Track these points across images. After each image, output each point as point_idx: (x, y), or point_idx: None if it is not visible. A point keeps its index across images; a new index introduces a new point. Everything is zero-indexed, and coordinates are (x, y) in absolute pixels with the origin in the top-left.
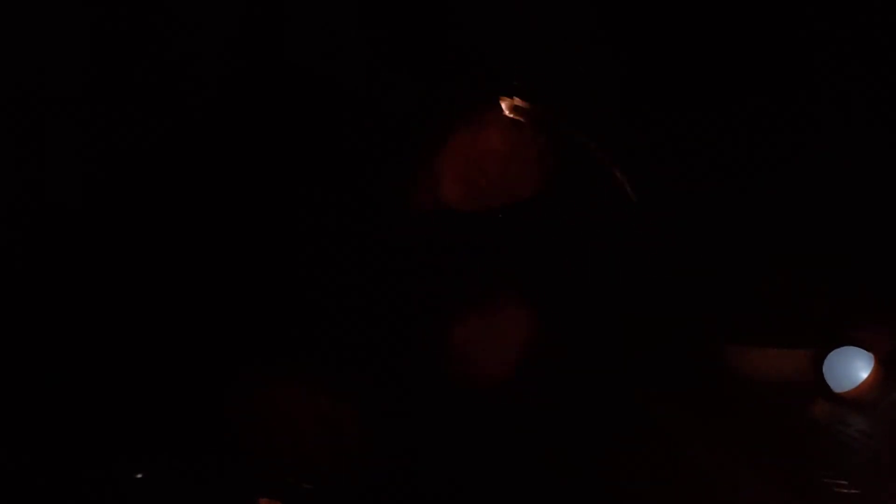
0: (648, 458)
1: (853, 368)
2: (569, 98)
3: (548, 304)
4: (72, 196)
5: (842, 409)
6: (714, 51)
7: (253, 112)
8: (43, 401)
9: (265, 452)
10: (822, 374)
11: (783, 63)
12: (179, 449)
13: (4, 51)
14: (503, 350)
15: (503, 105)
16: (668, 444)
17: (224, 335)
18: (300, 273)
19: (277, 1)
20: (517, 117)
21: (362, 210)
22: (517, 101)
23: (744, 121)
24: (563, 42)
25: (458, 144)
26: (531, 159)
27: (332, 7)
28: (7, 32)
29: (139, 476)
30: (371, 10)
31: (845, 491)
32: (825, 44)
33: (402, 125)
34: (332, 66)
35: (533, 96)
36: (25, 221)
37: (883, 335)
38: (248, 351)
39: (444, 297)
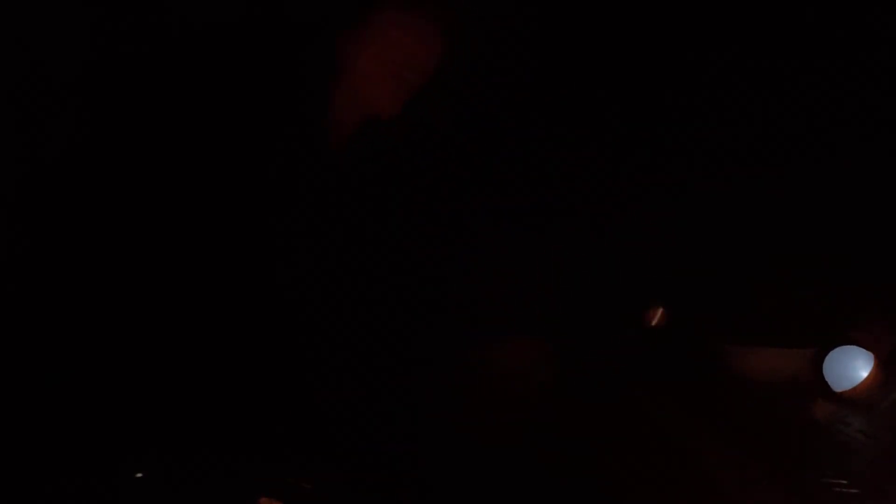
0: (648, 457)
1: (853, 368)
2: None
3: (547, 303)
4: (70, 194)
5: (842, 409)
6: (714, 50)
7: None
8: (43, 401)
9: (265, 452)
10: (822, 374)
11: (783, 62)
12: (179, 449)
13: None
14: (501, 350)
15: None
16: (668, 443)
17: (224, 335)
18: (298, 271)
19: None
20: None
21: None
22: None
23: (743, 120)
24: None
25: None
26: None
27: None
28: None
29: (139, 476)
30: None
31: (845, 491)
32: (825, 44)
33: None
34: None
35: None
36: (24, 220)
37: (883, 335)
38: (249, 350)
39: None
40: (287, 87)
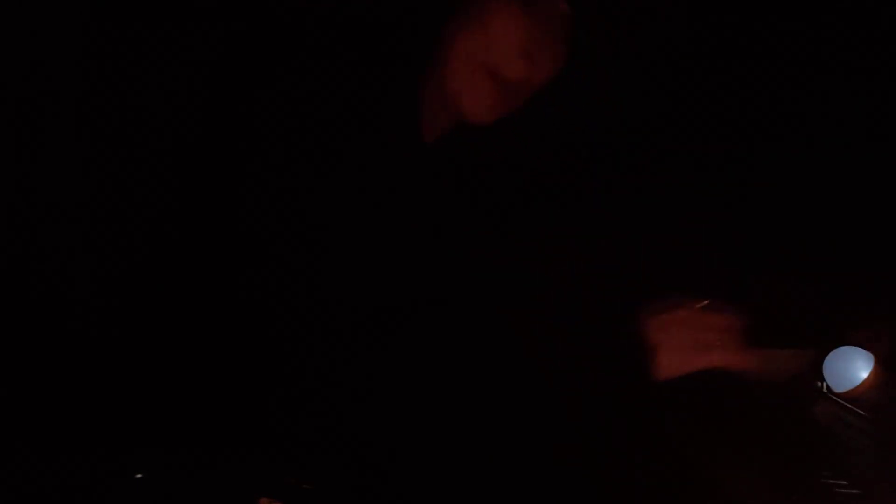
0: (648, 458)
1: (853, 368)
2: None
3: (546, 303)
4: (72, 195)
5: (842, 409)
6: (716, 48)
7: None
8: (43, 400)
9: (265, 452)
10: (822, 375)
11: (782, 61)
12: (179, 449)
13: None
14: (504, 349)
15: None
16: (667, 444)
17: (225, 334)
18: (302, 266)
19: None
20: None
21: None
22: None
23: (742, 119)
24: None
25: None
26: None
27: None
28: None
29: (139, 476)
30: None
31: (845, 491)
32: (827, 44)
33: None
34: None
35: None
36: (25, 221)
37: (883, 335)
38: (249, 350)
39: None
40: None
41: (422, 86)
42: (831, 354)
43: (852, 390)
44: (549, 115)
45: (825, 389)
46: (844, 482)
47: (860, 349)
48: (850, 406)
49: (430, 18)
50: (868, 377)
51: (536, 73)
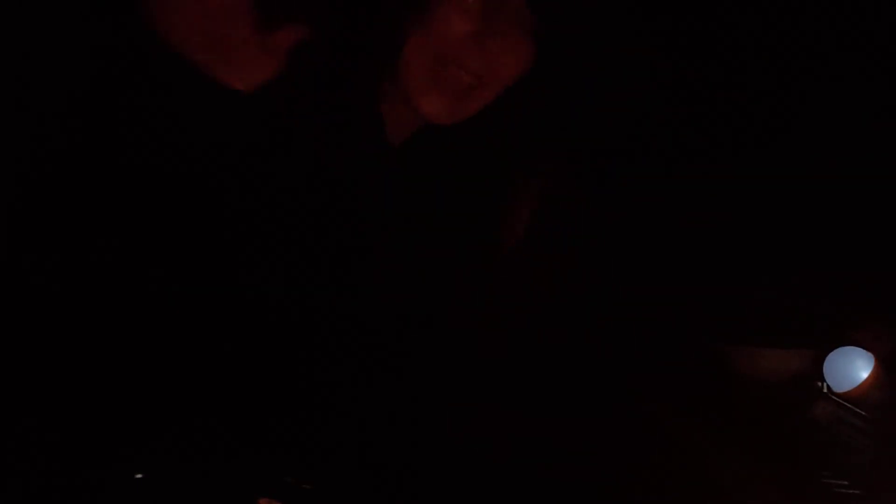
0: (648, 458)
1: (853, 368)
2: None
3: (546, 303)
4: (67, 195)
5: (842, 409)
6: (718, 47)
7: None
8: (43, 400)
9: (265, 452)
10: (822, 375)
11: (784, 58)
12: (179, 449)
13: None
14: (501, 351)
15: None
16: (667, 443)
17: (224, 334)
18: (300, 268)
19: None
20: None
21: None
22: None
23: (742, 118)
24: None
25: None
26: None
27: None
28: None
29: (139, 476)
30: None
31: (845, 491)
32: (829, 44)
33: None
34: None
35: None
36: (24, 220)
37: (883, 335)
38: (249, 350)
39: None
40: None
41: (381, 85)
42: (831, 354)
43: (852, 390)
44: (518, 120)
45: (825, 389)
46: (844, 482)
47: (860, 349)
48: (850, 406)
49: (385, 14)
50: (868, 377)
51: (495, 69)
